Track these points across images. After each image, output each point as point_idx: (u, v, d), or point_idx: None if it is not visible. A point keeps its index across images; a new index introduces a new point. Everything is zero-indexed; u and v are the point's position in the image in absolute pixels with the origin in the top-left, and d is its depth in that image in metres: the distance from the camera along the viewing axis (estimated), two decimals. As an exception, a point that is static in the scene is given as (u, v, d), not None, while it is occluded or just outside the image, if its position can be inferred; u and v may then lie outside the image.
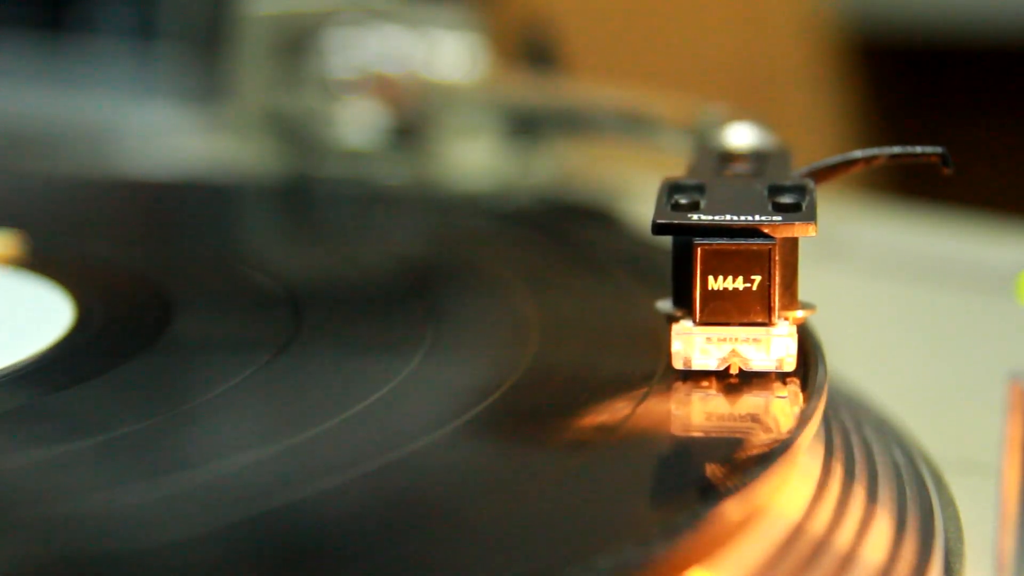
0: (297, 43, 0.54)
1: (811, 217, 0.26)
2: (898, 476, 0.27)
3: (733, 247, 0.25)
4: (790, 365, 0.26)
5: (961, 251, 0.48)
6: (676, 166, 0.30)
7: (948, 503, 0.27)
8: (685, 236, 0.25)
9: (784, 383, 0.26)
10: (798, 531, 0.23)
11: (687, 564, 0.20)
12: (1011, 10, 0.90)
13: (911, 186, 0.65)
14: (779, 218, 0.25)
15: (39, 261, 0.35)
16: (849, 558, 0.23)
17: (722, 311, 0.25)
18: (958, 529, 0.26)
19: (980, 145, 0.83)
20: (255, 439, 0.25)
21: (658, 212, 0.26)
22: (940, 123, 0.90)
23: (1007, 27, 0.90)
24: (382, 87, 0.53)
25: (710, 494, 0.22)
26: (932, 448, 0.30)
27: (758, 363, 0.26)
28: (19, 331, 0.30)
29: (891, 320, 0.44)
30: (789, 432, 0.24)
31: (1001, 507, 0.23)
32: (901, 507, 0.26)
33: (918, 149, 0.27)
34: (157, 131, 0.63)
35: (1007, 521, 0.23)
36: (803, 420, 0.24)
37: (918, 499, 0.26)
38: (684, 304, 0.26)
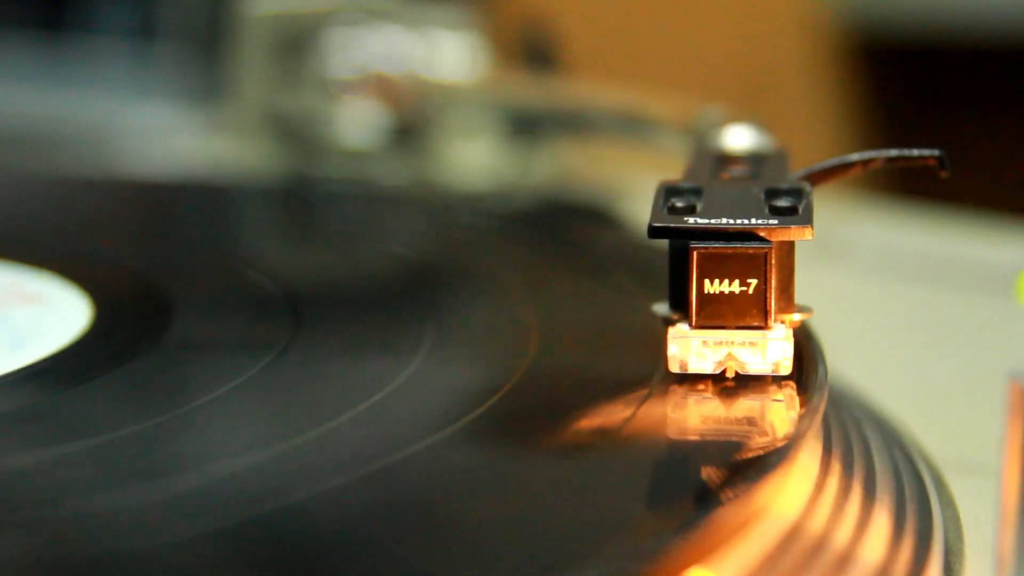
0: (297, 43, 0.54)
1: (807, 221, 0.26)
2: (897, 476, 0.27)
3: (729, 250, 0.25)
4: (786, 369, 0.26)
5: (961, 251, 0.48)
6: (675, 167, 0.30)
7: (948, 503, 0.27)
8: (681, 239, 0.26)
9: (780, 387, 0.26)
10: (796, 530, 0.23)
11: (684, 566, 0.21)
12: (1011, 10, 0.90)
13: (911, 186, 0.65)
14: (775, 221, 0.25)
15: (39, 259, 0.35)
16: (847, 557, 0.23)
17: (718, 314, 0.25)
18: (958, 529, 0.26)
19: (980, 145, 0.83)
20: (255, 441, 0.25)
21: (654, 215, 0.26)
22: (940, 123, 0.89)
23: (1007, 27, 0.90)
24: (382, 87, 0.53)
25: (707, 499, 0.22)
26: (932, 448, 0.30)
27: (754, 367, 0.26)
28: (35, 325, 0.30)
29: (891, 320, 0.44)
30: (786, 436, 0.24)
31: (1001, 507, 0.23)
32: (900, 506, 0.26)
33: (915, 152, 0.27)
34: (157, 131, 0.63)
35: (1007, 521, 0.23)
36: (802, 423, 0.24)
37: (917, 499, 0.26)
38: (680, 307, 0.26)
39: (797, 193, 0.27)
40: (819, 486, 0.25)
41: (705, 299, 0.25)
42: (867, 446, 0.28)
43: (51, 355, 0.28)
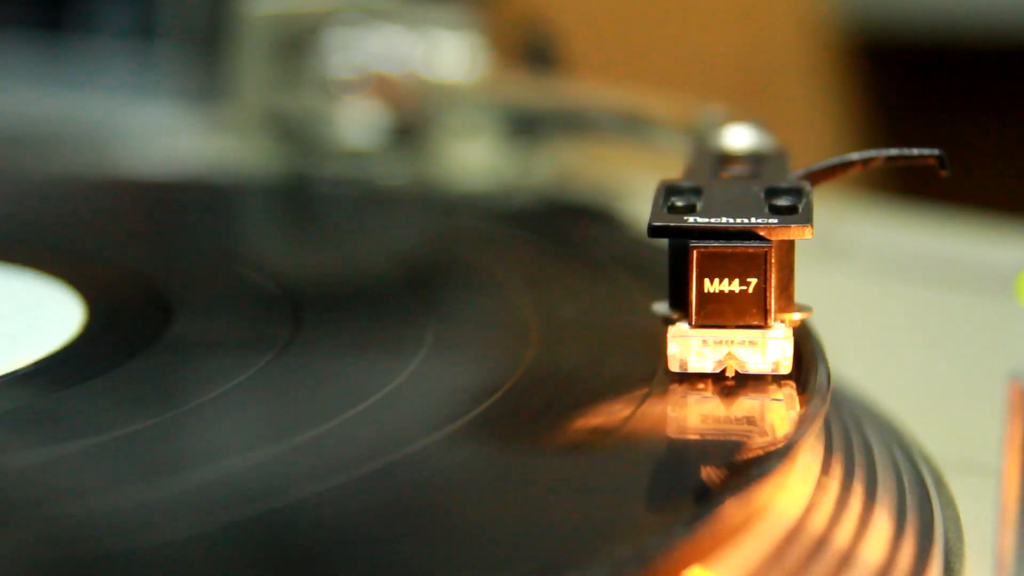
0: (297, 43, 0.54)
1: (807, 219, 0.26)
2: (898, 476, 0.27)
3: (729, 250, 0.25)
4: (786, 368, 0.26)
5: (961, 251, 0.48)
6: (675, 166, 0.30)
7: (948, 503, 0.27)
8: (681, 239, 0.26)
9: (780, 386, 0.26)
10: (797, 530, 0.23)
11: (685, 565, 0.21)
12: (1011, 10, 0.90)
13: (911, 186, 0.65)
14: (775, 220, 0.25)
15: (39, 260, 0.35)
16: (848, 557, 0.23)
17: (718, 313, 0.25)
18: (958, 529, 0.26)
19: (980, 145, 0.83)
20: (254, 440, 0.25)
21: (654, 214, 0.26)
22: (940, 123, 0.89)
23: (1007, 27, 0.90)
24: (382, 87, 0.53)
25: (707, 498, 0.22)
26: (932, 448, 0.30)
27: (754, 366, 0.26)
28: (27, 327, 0.30)
29: (891, 320, 0.44)
30: (786, 436, 0.24)
31: (1001, 507, 0.23)
32: (900, 507, 0.26)
33: (915, 151, 0.27)
34: (157, 131, 0.63)
35: (1007, 521, 0.23)
36: (803, 422, 0.24)
37: (918, 499, 0.26)
38: (680, 306, 0.26)
39: (797, 192, 0.27)
40: (820, 486, 0.25)
41: (705, 298, 0.25)
42: (868, 446, 0.28)
43: (49, 355, 0.28)
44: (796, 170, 0.28)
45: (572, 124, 0.49)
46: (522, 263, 0.37)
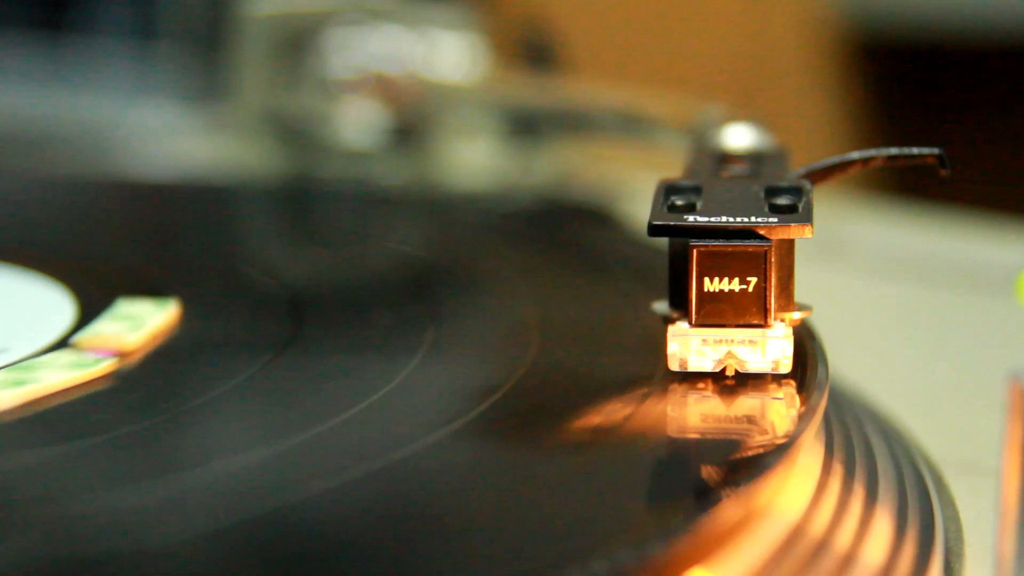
0: (297, 43, 0.54)
1: (807, 219, 0.26)
2: (898, 476, 0.27)
3: (729, 248, 0.25)
4: (786, 367, 0.26)
5: (961, 251, 0.48)
6: (675, 166, 0.30)
7: (948, 503, 0.27)
8: (681, 237, 0.26)
9: (780, 385, 0.26)
10: (798, 531, 0.23)
11: (685, 565, 0.21)
12: (1011, 10, 0.90)
13: (911, 186, 0.65)
14: (775, 219, 0.25)
15: (39, 261, 0.35)
16: (849, 558, 0.23)
17: (718, 312, 0.25)
18: (958, 529, 0.26)
19: (980, 145, 0.83)
20: (255, 440, 0.25)
21: (654, 213, 0.26)
22: (940, 123, 0.90)
23: (1007, 27, 0.90)
24: (382, 87, 0.53)
25: (707, 496, 0.22)
26: (932, 448, 0.30)
27: (754, 365, 0.26)
28: (20, 330, 0.30)
29: (891, 320, 0.44)
30: (787, 434, 0.24)
31: (1001, 507, 0.23)
32: (901, 507, 0.26)
33: (915, 150, 0.27)
34: (157, 131, 0.63)
35: (1007, 521, 0.23)
36: (802, 421, 0.24)
37: (918, 499, 0.26)
38: (680, 305, 0.26)
39: (797, 191, 0.27)
40: (821, 487, 0.25)
41: (705, 297, 0.25)
42: (868, 446, 0.28)
43: (46, 354, 0.28)
44: (796, 169, 0.28)
45: (572, 124, 0.49)
46: (522, 263, 0.37)
